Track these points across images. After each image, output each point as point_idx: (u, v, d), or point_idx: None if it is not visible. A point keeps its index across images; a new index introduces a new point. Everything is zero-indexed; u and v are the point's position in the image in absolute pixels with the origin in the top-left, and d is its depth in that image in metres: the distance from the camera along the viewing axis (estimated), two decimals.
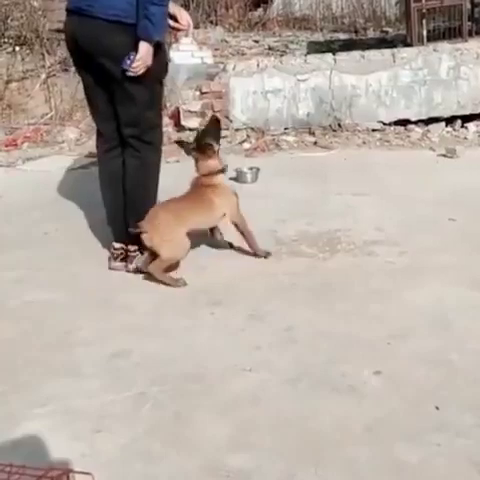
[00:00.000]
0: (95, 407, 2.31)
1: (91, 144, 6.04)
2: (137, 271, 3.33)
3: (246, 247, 3.48)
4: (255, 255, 3.45)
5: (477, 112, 6.06)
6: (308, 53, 6.89)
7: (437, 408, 2.20)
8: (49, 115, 6.78)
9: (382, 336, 2.66)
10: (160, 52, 3.25)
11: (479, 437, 2.06)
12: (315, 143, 5.88)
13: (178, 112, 6.22)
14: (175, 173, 5.02)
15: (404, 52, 6.17)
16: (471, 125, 6.00)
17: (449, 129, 6.03)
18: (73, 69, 6.95)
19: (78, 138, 6.25)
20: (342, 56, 6.18)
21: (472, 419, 2.15)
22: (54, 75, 7.23)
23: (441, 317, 2.78)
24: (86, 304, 3.08)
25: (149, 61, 3.13)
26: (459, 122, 6.05)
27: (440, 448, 2.02)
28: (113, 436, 2.16)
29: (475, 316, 2.77)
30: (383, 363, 2.47)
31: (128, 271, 3.37)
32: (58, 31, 7.77)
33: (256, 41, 7.67)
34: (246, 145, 5.96)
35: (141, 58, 3.10)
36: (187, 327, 2.83)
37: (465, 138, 5.85)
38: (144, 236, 3.20)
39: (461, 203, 4.10)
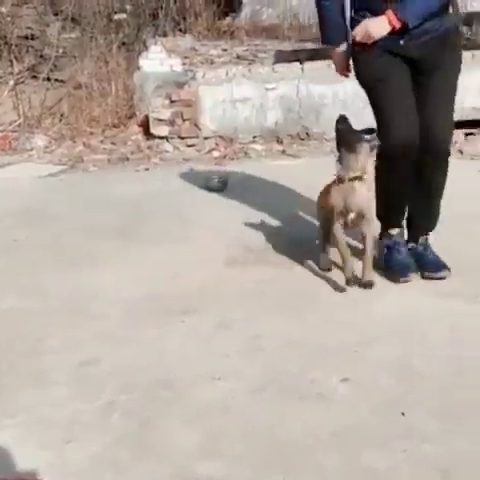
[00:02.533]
0: (64, 416, 2.30)
1: (60, 151, 6.03)
2: None
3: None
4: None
5: None
6: (276, 62, 6.94)
7: (403, 414, 2.24)
8: (17, 122, 6.71)
9: (350, 344, 2.69)
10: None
11: (444, 442, 2.10)
12: (283, 152, 5.92)
13: (147, 120, 6.21)
14: (144, 182, 5.04)
15: None
16: None
17: None
18: (42, 76, 6.93)
19: (47, 145, 6.19)
20: (310, 65, 6.24)
21: (438, 425, 2.19)
22: (23, 82, 7.17)
23: (408, 325, 2.83)
24: (57, 311, 3.06)
25: (368, 33, 3.00)
26: None
27: (406, 454, 2.06)
28: (82, 445, 2.16)
29: (441, 325, 2.82)
30: (351, 370, 2.50)
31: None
32: (26, 38, 7.73)
33: (225, 49, 7.68)
34: (215, 153, 5.98)
35: (366, 25, 3.00)
36: (157, 335, 2.83)
37: None
38: None
39: None
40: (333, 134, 3.47)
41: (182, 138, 6.10)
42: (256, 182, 4.96)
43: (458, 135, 5.78)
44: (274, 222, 4.07)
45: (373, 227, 3.26)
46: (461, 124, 5.66)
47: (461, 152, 5.53)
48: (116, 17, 7.99)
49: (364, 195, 3.17)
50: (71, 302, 3.16)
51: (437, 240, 3.38)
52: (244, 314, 2.96)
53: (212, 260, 3.53)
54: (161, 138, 6.09)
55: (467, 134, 5.93)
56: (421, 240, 3.36)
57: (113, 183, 4.92)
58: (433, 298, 3.05)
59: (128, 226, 4.07)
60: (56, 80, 7.08)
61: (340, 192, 3.17)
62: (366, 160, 3.17)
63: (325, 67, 6.14)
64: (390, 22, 2.95)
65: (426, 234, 3.37)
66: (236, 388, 2.43)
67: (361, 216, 3.18)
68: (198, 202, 4.52)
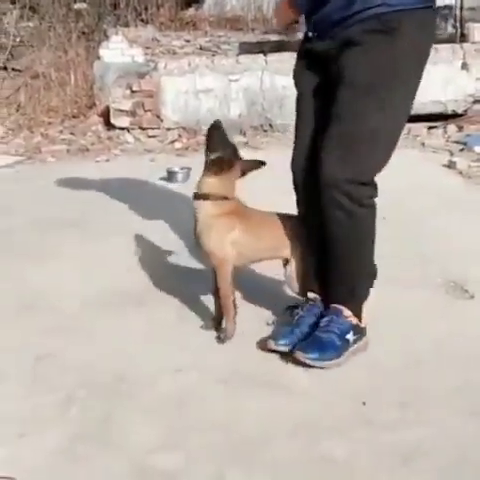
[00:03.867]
0: (20, 411, 2.25)
1: (17, 142, 5.92)
2: None
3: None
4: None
5: None
6: (240, 53, 6.92)
7: (364, 403, 2.24)
8: None
9: None
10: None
11: (403, 430, 2.10)
12: (246, 143, 5.90)
13: (108, 111, 6.14)
14: (104, 173, 4.97)
15: None
16: None
17: None
18: None
19: (3, 136, 6.09)
20: (273, 57, 6.23)
21: (397, 413, 2.19)
22: None
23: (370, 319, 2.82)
24: (9, 307, 2.99)
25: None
26: None
27: (366, 443, 2.05)
28: (38, 440, 2.11)
29: (399, 318, 2.81)
30: None
31: None
32: None
33: (187, 40, 7.65)
34: (177, 144, 5.94)
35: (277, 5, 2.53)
36: (114, 328, 2.78)
37: None
38: None
39: None
40: None
41: (143, 129, 6.05)
42: None
43: (420, 129, 5.85)
44: None
45: (221, 269, 2.57)
46: (423, 117, 5.74)
47: (423, 145, 5.57)
48: (76, 6, 7.89)
49: (201, 219, 2.54)
50: (23, 297, 3.08)
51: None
52: (203, 306, 2.92)
53: (170, 252, 3.49)
54: (122, 129, 6.04)
55: (430, 127, 5.99)
56: (327, 314, 2.55)
57: (71, 174, 4.84)
58: (392, 291, 3.03)
59: (84, 218, 4.01)
60: (13, 69, 6.96)
61: None
62: (211, 179, 2.61)
63: (289, 59, 6.16)
64: (285, 7, 2.48)
65: (332, 309, 2.53)
66: (197, 380, 2.40)
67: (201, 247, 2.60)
68: (159, 194, 4.48)
